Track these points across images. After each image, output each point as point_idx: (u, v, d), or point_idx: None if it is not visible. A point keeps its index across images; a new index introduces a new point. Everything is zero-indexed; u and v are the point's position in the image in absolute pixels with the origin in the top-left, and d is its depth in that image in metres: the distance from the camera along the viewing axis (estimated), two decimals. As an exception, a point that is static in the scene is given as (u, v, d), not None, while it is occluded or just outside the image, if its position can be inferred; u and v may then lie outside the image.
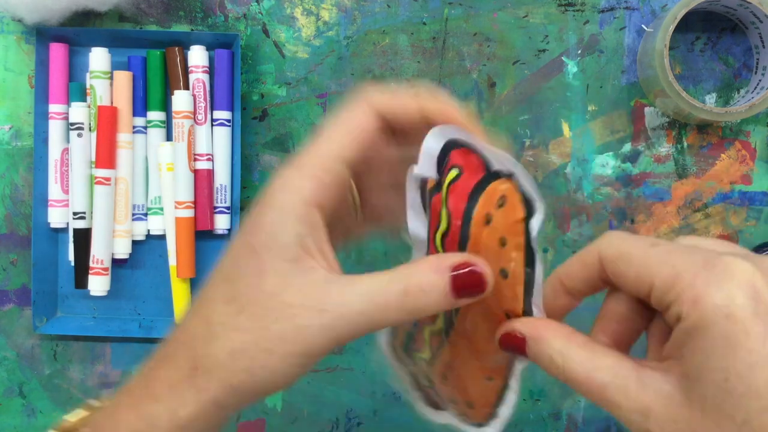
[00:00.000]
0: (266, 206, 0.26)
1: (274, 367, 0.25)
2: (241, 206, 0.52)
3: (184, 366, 0.26)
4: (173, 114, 0.51)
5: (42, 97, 0.52)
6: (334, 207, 0.27)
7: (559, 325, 0.26)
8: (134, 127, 0.52)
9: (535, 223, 0.26)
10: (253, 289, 0.25)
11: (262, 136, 0.53)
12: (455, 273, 0.25)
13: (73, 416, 0.30)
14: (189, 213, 0.51)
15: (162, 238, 0.53)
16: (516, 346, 0.26)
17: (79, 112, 0.51)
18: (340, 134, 0.27)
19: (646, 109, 0.52)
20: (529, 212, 0.26)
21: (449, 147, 0.27)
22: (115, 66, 0.52)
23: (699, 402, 0.22)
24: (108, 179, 0.51)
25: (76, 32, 0.51)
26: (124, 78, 0.51)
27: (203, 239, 0.52)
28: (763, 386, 0.22)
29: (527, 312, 0.27)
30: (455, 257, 0.25)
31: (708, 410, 0.22)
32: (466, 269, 0.25)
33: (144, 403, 0.26)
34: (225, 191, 0.52)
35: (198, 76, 0.51)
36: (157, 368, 0.27)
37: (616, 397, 0.24)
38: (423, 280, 0.25)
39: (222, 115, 0.52)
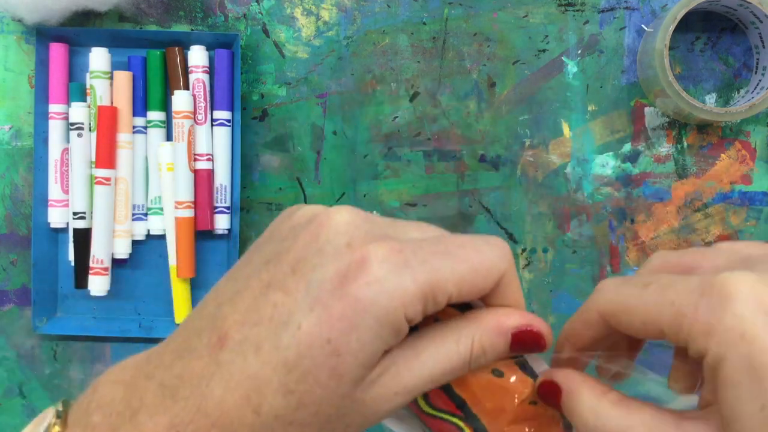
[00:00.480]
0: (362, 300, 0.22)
1: None
2: (241, 206, 0.52)
3: None
4: (173, 114, 0.51)
5: (42, 97, 0.52)
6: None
7: (595, 381, 0.25)
8: (134, 127, 0.52)
9: None
10: (327, 392, 0.23)
11: (262, 136, 0.53)
12: (516, 332, 0.25)
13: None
14: (189, 213, 0.51)
15: (162, 238, 0.53)
16: (553, 395, 0.25)
17: (79, 112, 0.51)
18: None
19: (646, 109, 0.52)
20: None
21: None
22: (115, 66, 0.52)
23: None
24: (108, 179, 0.51)
25: (76, 32, 0.51)
26: (124, 78, 0.51)
27: (203, 239, 0.52)
28: None
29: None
30: (516, 319, 0.25)
31: None
32: (526, 329, 0.25)
33: None
34: (225, 191, 0.52)
35: (198, 76, 0.51)
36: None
37: None
38: (485, 340, 0.25)
39: (222, 115, 0.52)
